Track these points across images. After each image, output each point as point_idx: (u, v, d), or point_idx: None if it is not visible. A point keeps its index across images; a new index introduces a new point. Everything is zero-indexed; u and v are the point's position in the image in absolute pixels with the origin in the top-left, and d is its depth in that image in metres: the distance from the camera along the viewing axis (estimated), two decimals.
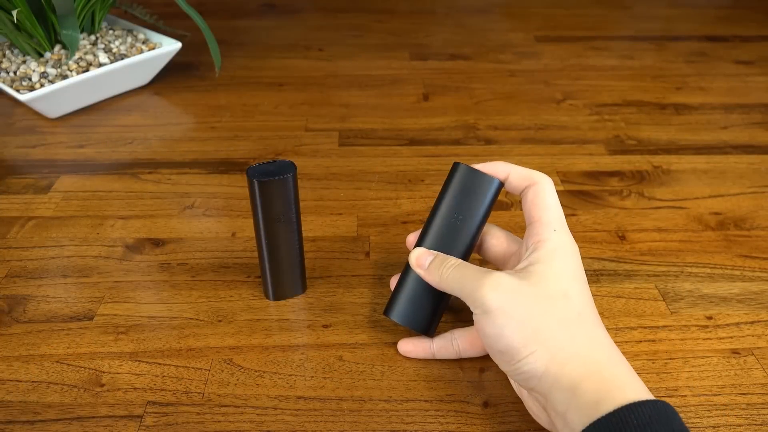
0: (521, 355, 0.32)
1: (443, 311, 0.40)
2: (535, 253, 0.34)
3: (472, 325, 0.37)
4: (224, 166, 0.60)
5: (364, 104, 0.72)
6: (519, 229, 0.52)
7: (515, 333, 0.32)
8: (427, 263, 0.37)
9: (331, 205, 0.54)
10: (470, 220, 0.39)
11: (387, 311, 0.39)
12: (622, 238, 0.51)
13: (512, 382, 0.36)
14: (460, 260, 0.37)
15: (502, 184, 0.39)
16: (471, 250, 0.39)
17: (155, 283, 0.46)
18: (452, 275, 0.35)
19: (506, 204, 0.55)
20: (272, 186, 0.38)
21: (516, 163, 0.39)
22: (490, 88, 0.76)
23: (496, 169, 0.39)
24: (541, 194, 0.37)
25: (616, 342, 0.41)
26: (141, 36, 0.76)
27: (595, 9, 1.04)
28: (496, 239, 0.41)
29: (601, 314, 0.43)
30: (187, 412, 0.36)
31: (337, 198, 0.55)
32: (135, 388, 0.38)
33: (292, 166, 0.38)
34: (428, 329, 0.39)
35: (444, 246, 0.38)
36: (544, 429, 0.34)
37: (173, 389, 0.38)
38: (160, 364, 0.39)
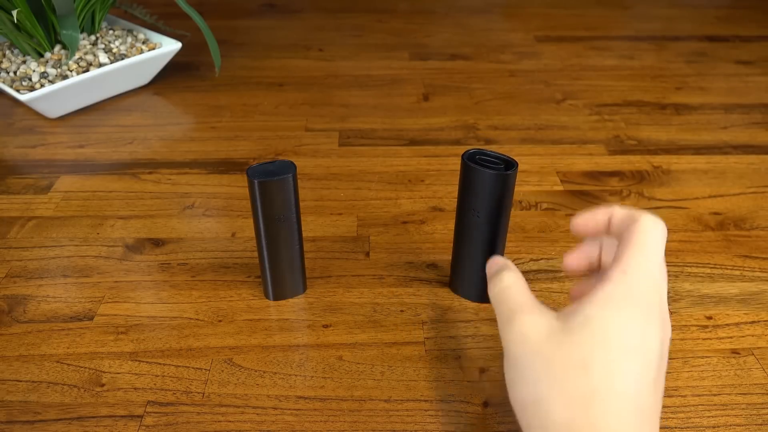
0: (519, 416, 0.28)
1: None
2: (589, 296, 0.28)
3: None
4: (224, 166, 0.60)
5: (364, 104, 0.72)
6: (539, 229, 0.52)
7: (518, 395, 0.28)
8: (490, 274, 0.34)
9: (331, 205, 0.54)
10: (486, 216, 0.39)
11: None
12: None
13: None
14: (512, 280, 0.32)
15: (502, 176, 0.38)
16: (495, 247, 0.41)
17: (155, 283, 0.46)
18: (495, 298, 0.32)
19: (526, 205, 0.55)
20: (272, 186, 0.38)
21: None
22: (490, 88, 0.76)
23: (595, 217, 0.32)
24: (640, 231, 0.29)
25: None
26: (141, 36, 0.76)
27: (595, 9, 1.04)
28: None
29: None
30: (187, 412, 0.36)
31: (337, 198, 0.55)
32: (135, 388, 0.38)
33: (292, 166, 0.38)
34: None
35: (470, 244, 0.41)
36: None
37: (173, 389, 0.38)
38: (160, 364, 0.39)
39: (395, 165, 0.60)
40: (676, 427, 0.36)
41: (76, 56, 0.69)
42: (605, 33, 0.94)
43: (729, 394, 0.38)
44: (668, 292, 0.45)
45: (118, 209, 0.54)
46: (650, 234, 0.29)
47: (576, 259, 0.34)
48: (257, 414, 0.36)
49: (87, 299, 0.44)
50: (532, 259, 0.48)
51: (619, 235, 0.30)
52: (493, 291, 0.32)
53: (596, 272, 0.34)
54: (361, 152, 0.62)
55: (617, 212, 0.31)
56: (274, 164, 0.38)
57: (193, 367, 0.39)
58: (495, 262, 0.34)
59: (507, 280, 0.32)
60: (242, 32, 0.92)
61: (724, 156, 0.62)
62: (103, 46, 0.72)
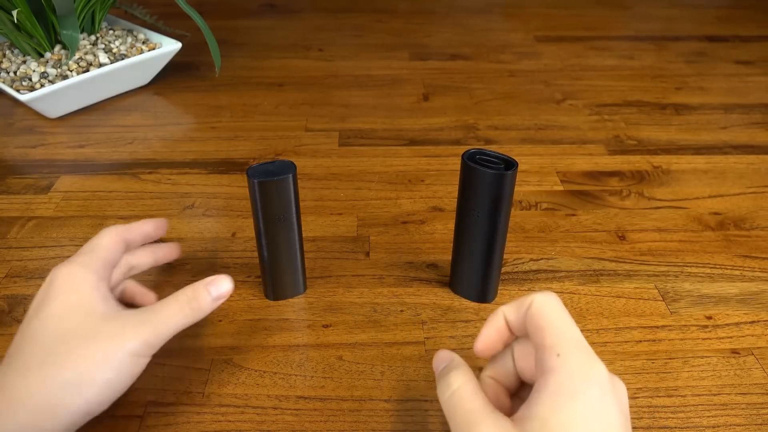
0: None
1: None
2: (537, 394, 0.26)
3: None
4: (224, 166, 0.60)
5: (364, 104, 0.72)
6: (539, 229, 0.52)
7: None
8: (437, 371, 0.31)
9: (331, 205, 0.54)
10: (485, 216, 0.39)
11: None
12: (622, 238, 0.51)
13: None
14: (460, 382, 0.29)
15: (502, 176, 0.38)
16: (495, 247, 0.41)
17: (155, 283, 0.46)
18: (445, 405, 0.29)
19: (526, 205, 0.55)
20: (272, 186, 0.38)
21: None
22: (490, 88, 0.76)
23: (491, 330, 0.31)
24: (539, 312, 0.28)
25: (615, 342, 0.41)
26: (141, 36, 0.76)
27: (595, 9, 1.04)
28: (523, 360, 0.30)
29: (601, 314, 0.43)
30: (187, 412, 0.36)
31: (337, 198, 0.55)
32: (135, 388, 0.38)
33: (292, 166, 0.38)
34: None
35: (470, 244, 0.41)
36: None
37: (173, 389, 0.38)
38: (160, 363, 0.39)
39: (395, 165, 0.60)
40: (676, 427, 0.36)
41: (76, 56, 0.69)
42: (605, 33, 0.94)
43: (729, 394, 0.38)
44: (669, 292, 0.45)
45: (118, 209, 0.54)
46: (550, 308, 0.28)
47: (485, 341, 0.31)
48: (257, 414, 0.36)
49: None
50: (532, 259, 0.48)
51: (524, 328, 0.29)
52: (443, 397, 0.29)
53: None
54: (361, 152, 0.62)
55: (506, 310, 0.30)
56: (274, 164, 0.38)
57: (193, 367, 0.39)
58: (441, 358, 0.32)
59: (455, 383, 0.29)
60: (242, 32, 0.92)
61: (724, 156, 0.62)
62: (103, 46, 0.72)
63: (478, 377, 0.31)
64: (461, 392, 0.29)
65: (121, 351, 0.31)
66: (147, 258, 0.41)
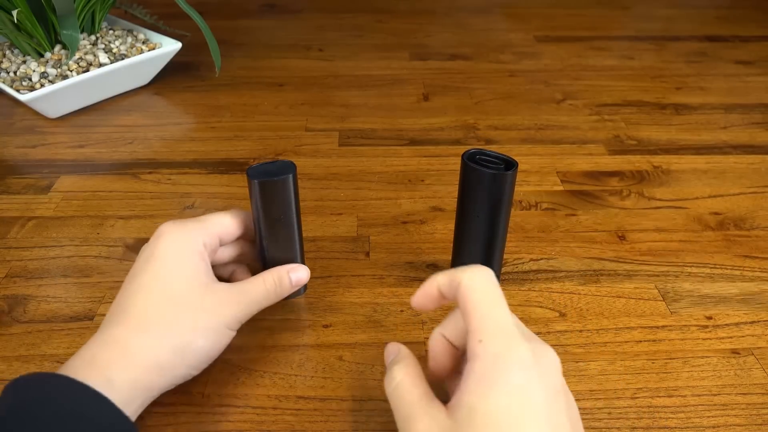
0: None
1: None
2: (465, 381, 0.27)
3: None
4: (224, 166, 0.60)
5: (364, 104, 0.72)
6: (539, 229, 0.52)
7: None
8: (386, 363, 0.33)
9: (331, 205, 0.54)
10: (485, 216, 0.39)
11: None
12: (622, 238, 0.51)
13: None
14: (401, 375, 0.30)
15: (502, 176, 0.38)
16: (495, 247, 0.41)
17: None
18: (389, 397, 0.30)
19: (526, 205, 0.55)
20: (272, 186, 0.38)
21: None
22: (490, 88, 0.76)
23: (427, 292, 0.32)
24: (465, 294, 0.29)
25: (615, 342, 0.41)
26: (141, 36, 0.76)
27: (595, 9, 1.04)
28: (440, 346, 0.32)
29: (601, 314, 0.43)
30: (187, 412, 0.36)
31: (337, 198, 0.55)
32: None
33: (292, 166, 0.38)
34: None
35: (470, 244, 0.41)
36: None
37: (173, 389, 0.38)
38: None
39: (395, 165, 0.60)
40: (676, 427, 0.36)
41: (76, 56, 0.69)
42: (605, 33, 0.94)
43: (729, 394, 0.38)
44: (669, 292, 0.45)
45: (118, 209, 0.54)
46: (476, 289, 0.29)
47: (418, 304, 0.33)
48: (257, 414, 0.36)
49: (87, 299, 0.44)
50: (532, 259, 0.48)
51: (456, 302, 0.30)
52: (387, 389, 0.31)
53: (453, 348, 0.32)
54: (361, 152, 0.62)
55: (440, 281, 0.31)
56: (274, 164, 0.38)
57: None
58: (388, 351, 0.34)
59: (397, 377, 0.30)
60: (242, 32, 0.92)
61: (724, 156, 0.62)
62: (103, 46, 0.72)
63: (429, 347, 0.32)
64: (402, 386, 0.30)
65: (220, 324, 0.35)
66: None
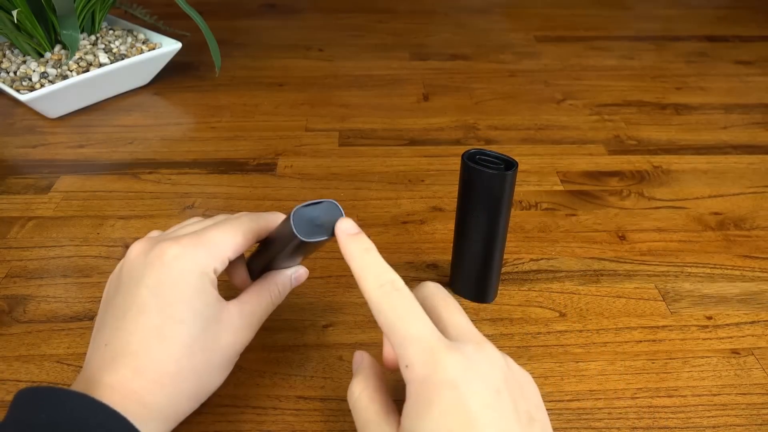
0: None
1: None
2: (405, 405, 0.27)
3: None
4: (224, 166, 0.60)
5: (364, 104, 0.72)
6: (539, 229, 0.52)
7: None
8: (353, 369, 0.33)
9: None
10: (485, 216, 0.40)
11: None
12: (622, 238, 0.51)
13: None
14: (359, 389, 0.30)
15: (502, 176, 0.38)
16: (495, 247, 0.41)
17: None
18: (351, 408, 0.31)
19: (526, 205, 0.55)
20: (314, 244, 0.34)
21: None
22: (490, 88, 0.76)
23: (387, 350, 0.31)
24: (380, 322, 0.29)
25: (615, 342, 0.41)
26: (141, 36, 0.76)
27: (595, 9, 1.04)
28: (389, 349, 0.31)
29: (601, 314, 0.43)
30: None
31: (337, 198, 0.55)
32: None
33: (338, 212, 0.34)
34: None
35: (470, 244, 0.41)
36: None
37: None
38: None
39: (395, 165, 0.60)
40: (676, 427, 0.36)
41: (76, 56, 0.69)
42: (605, 33, 0.94)
43: (729, 394, 0.38)
44: (669, 292, 0.45)
45: (118, 209, 0.54)
46: (382, 311, 0.28)
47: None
48: (257, 414, 0.36)
49: (87, 299, 0.44)
50: (532, 259, 0.48)
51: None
52: (349, 401, 0.31)
53: None
54: (361, 152, 0.62)
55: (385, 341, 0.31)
56: (319, 207, 0.34)
57: None
58: (354, 360, 0.33)
59: (356, 392, 0.30)
60: (242, 32, 0.92)
61: (724, 156, 0.62)
62: (103, 46, 0.72)
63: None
64: (359, 401, 0.30)
65: (233, 357, 0.34)
66: None
